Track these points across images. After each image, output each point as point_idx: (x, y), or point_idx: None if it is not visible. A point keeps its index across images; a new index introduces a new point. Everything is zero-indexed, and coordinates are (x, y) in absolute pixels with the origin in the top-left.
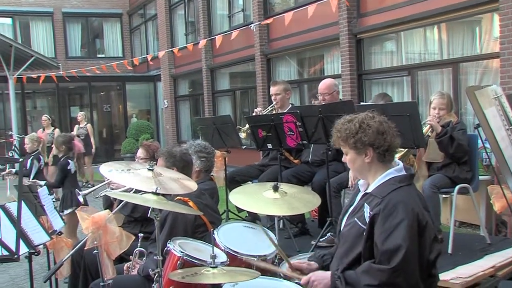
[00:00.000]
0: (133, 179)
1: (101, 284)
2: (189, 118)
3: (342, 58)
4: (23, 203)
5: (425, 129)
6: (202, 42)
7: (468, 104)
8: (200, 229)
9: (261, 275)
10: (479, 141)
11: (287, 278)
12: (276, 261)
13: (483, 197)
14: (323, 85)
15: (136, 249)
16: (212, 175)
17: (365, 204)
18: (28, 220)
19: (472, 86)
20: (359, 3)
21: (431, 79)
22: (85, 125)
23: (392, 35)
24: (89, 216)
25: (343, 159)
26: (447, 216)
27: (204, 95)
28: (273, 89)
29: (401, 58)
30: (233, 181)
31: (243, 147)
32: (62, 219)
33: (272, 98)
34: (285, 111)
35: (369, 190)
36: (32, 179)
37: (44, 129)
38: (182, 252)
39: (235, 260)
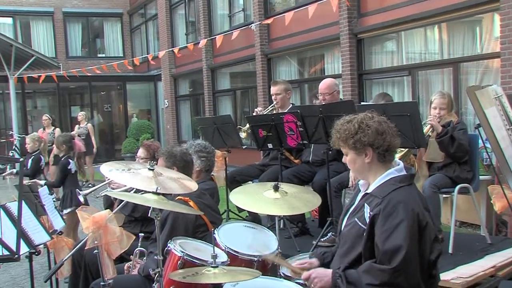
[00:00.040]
0: (133, 179)
1: (102, 283)
2: (189, 118)
3: (343, 58)
4: (23, 203)
5: (425, 129)
6: (203, 42)
7: (469, 104)
8: (201, 229)
9: (262, 274)
10: (480, 141)
11: (287, 277)
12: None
13: (483, 197)
14: (323, 85)
15: (137, 249)
16: (212, 175)
17: (365, 205)
18: (29, 220)
19: (472, 86)
20: (360, 3)
21: (432, 79)
22: (86, 125)
23: (392, 35)
24: (90, 216)
25: (343, 160)
26: (448, 216)
27: (204, 95)
28: (273, 89)
29: (401, 58)
30: (234, 181)
31: (244, 147)
32: (63, 219)
33: (273, 98)
34: (285, 111)
35: (369, 190)
36: (32, 179)
37: (44, 129)
38: (182, 252)
39: (235, 260)
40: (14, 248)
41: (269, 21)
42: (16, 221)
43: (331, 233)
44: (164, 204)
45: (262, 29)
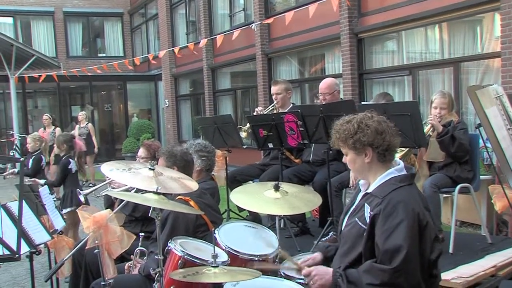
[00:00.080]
0: (134, 178)
1: (102, 283)
2: (190, 118)
3: (343, 57)
4: (24, 202)
5: (426, 128)
6: (203, 42)
7: (469, 103)
8: (201, 229)
9: (262, 274)
10: (480, 140)
11: (288, 277)
12: (277, 260)
13: (484, 196)
14: (323, 84)
15: (137, 248)
16: (213, 174)
17: (366, 204)
18: (29, 220)
19: (473, 86)
20: (360, 2)
21: (432, 78)
22: (86, 124)
23: (393, 34)
24: (90, 216)
25: (343, 160)
26: (448, 215)
27: (205, 94)
28: (274, 89)
29: (402, 58)
30: (234, 181)
31: (244, 146)
32: (63, 219)
33: (273, 97)
34: (286, 111)
35: (369, 190)
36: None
37: (45, 128)
38: (183, 251)
39: (236, 259)
40: (14, 247)
41: (269, 20)
42: (16, 221)
43: (332, 232)
44: (165, 204)
45: (263, 29)
